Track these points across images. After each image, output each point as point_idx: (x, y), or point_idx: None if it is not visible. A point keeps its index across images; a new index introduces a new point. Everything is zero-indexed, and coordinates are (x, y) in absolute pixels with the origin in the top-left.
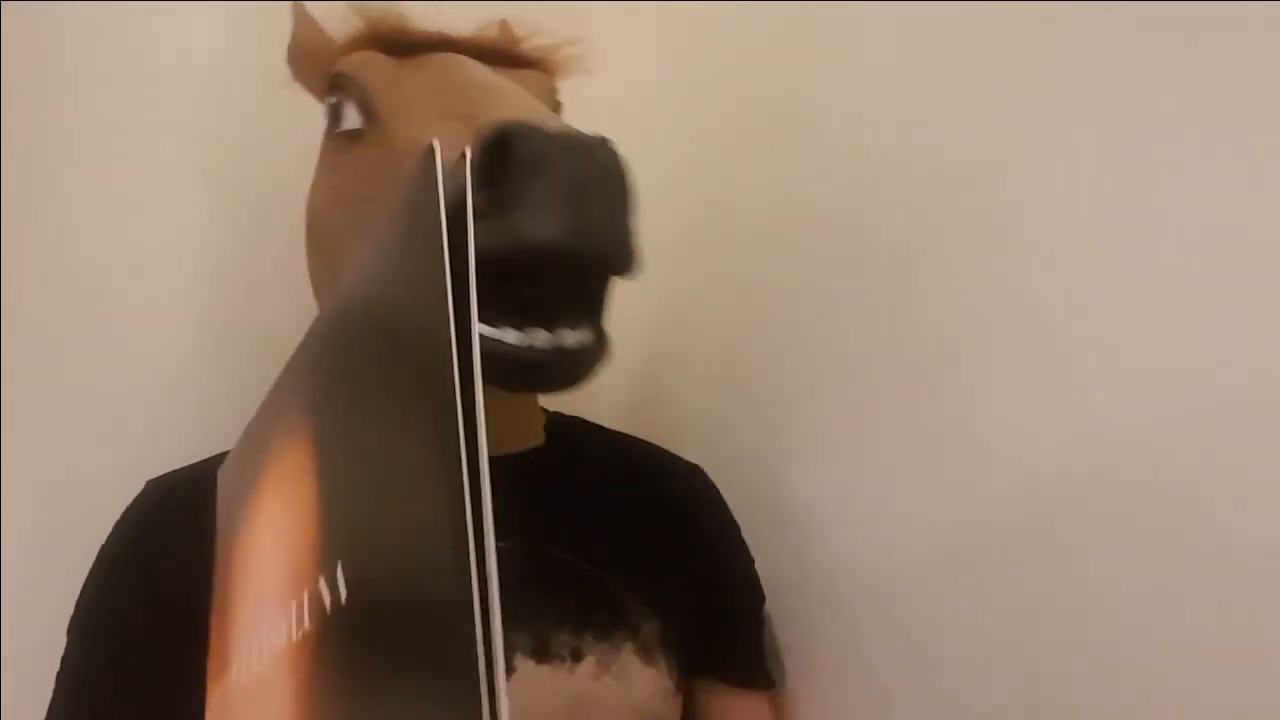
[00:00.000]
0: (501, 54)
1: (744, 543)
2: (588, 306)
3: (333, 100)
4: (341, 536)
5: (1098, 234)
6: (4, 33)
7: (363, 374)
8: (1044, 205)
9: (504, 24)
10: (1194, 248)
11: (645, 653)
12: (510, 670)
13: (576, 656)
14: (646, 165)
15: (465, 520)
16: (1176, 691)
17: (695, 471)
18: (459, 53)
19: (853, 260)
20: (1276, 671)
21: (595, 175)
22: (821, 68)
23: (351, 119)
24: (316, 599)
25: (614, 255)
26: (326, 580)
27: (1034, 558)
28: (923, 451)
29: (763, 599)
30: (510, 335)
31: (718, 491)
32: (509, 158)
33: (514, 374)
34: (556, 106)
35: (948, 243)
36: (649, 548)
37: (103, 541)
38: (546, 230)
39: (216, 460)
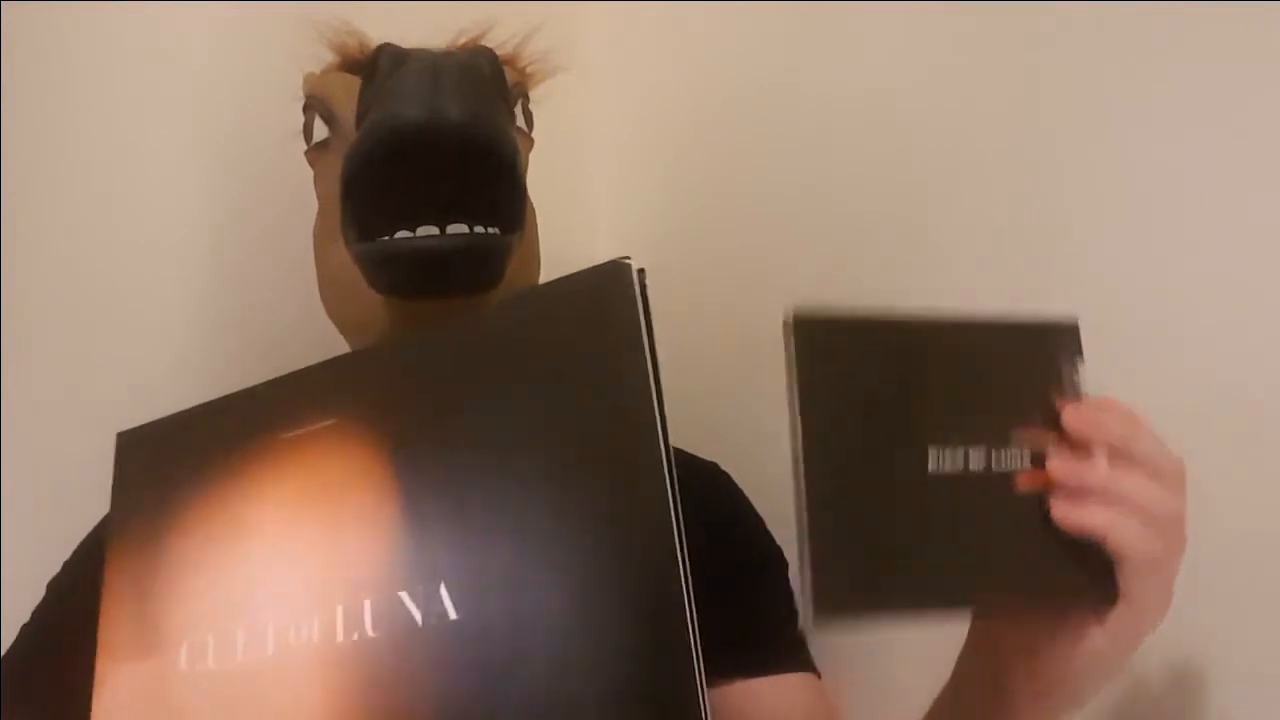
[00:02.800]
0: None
1: (768, 537)
2: (484, 204)
3: (304, 120)
4: (450, 561)
5: (1103, 231)
6: (4, 33)
7: (523, 425)
8: (1049, 201)
9: (480, 38)
10: (1200, 242)
11: None
12: None
13: None
14: (646, 163)
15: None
16: (1183, 690)
17: (712, 470)
18: None
19: (857, 256)
20: None
21: (448, 65)
22: (822, 66)
23: (320, 131)
24: (392, 609)
25: (473, 133)
26: (415, 596)
27: None
28: None
29: (791, 593)
30: (401, 235)
31: (736, 488)
32: (375, 70)
33: (396, 271)
34: (528, 116)
35: (952, 239)
36: None
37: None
38: (401, 114)
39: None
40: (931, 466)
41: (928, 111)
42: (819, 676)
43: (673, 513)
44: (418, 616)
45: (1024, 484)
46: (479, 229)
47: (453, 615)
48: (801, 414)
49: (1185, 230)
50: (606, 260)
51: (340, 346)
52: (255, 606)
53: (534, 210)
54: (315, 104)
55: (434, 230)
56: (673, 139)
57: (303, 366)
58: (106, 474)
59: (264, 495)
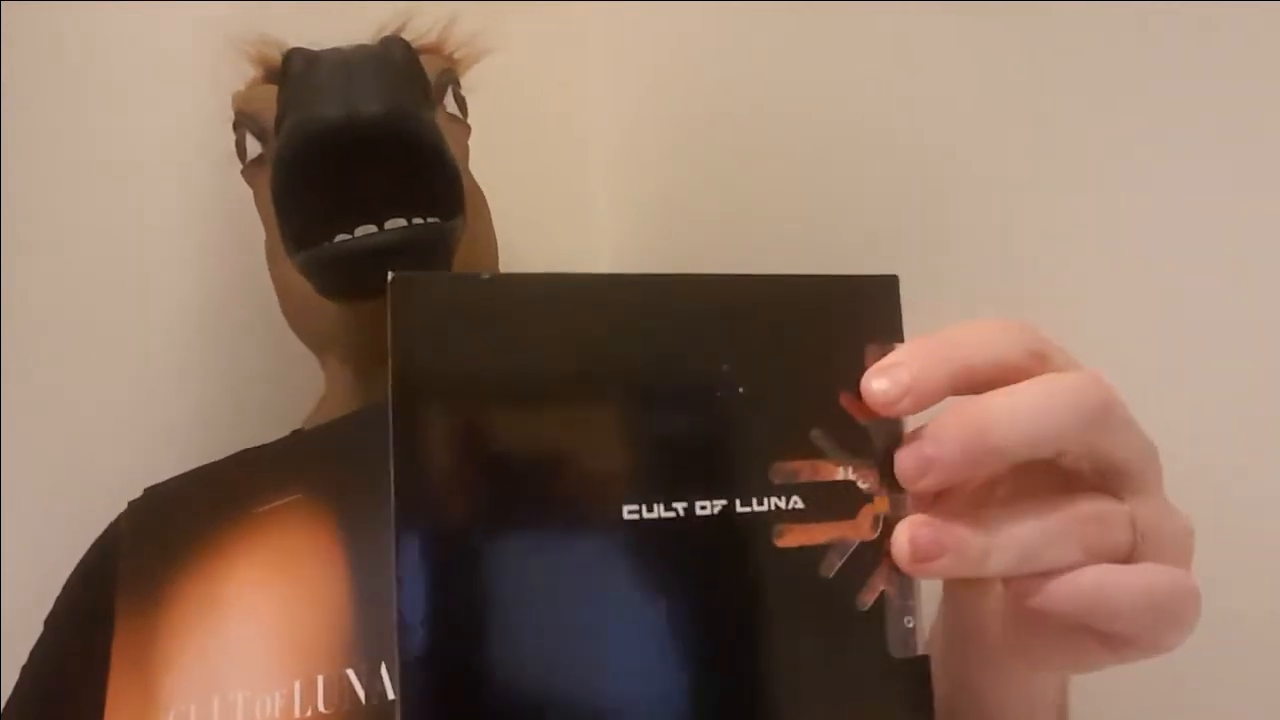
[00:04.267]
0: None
1: None
2: (418, 194)
3: (235, 138)
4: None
5: (1097, 236)
6: (4, 33)
7: None
8: (1061, 204)
9: (399, 30)
10: (1195, 248)
11: None
12: None
13: None
14: (645, 164)
15: None
16: (1190, 689)
17: None
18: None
19: (854, 253)
20: None
21: (359, 59)
22: (822, 66)
23: (253, 148)
24: (341, 686)
25: (392, 124)
26: (360, 674)
27: None
28: None
29: None
30: (340, 238)
31: None
32: (287, 73)
33: (335, 275)
34: (461, 102)
35: (947, 242)
36: None
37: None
38: (316, 113)
39: (188, 474)
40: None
41: (928, 112)
42: None
43: None
44: (362, 695)
45: (789, 539)
46: (417, 220)
47: (390, 696)
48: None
49: (1185, 232)
50: None
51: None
52: (229, 678)
53: (483, 196)
54: (245, 120)
55: (372, 229)
56: (672, 140)
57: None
58: (106, 474)
59: (238, 569)
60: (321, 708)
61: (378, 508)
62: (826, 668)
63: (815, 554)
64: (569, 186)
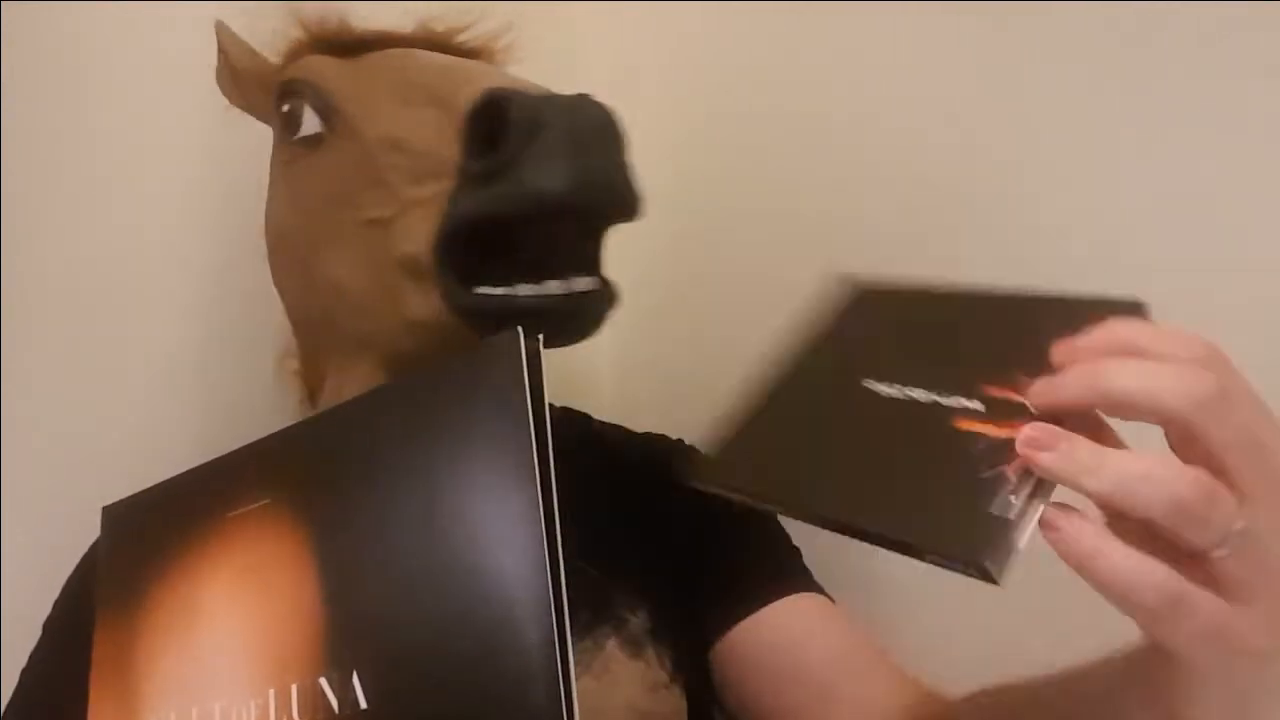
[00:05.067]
0: (446, 47)
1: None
2: (592, 255)
3: (286, 108)
4: (362, 649)
5: (1099, 230)
6: (4, 33)
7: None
8: (1058, 201)
9: (441, 17)
10: (1199, 237)
11: (631, 645)
12: None
13: None
14: (643, 161)
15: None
16: None
17: (677, 445)
18: (407, 47)
19: (852, 254)
20: None
21: (591, 126)
22: (822, 66)
23: (310, 124)
24: (314, 695)
25: (621, 200)
26: (332, 683)
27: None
28: None
29: (782, 531)
30: (524, 289)
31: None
32: (506, 120)
33: (532, 327)
34: None
35: (947, 237)
36: (633, 532)
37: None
38: (555, 182)
39: (164, 482)
40: (873, 387)
41: (928, 111)
42: (830, 599)
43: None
44: (334, 704)
45: (964, 423)
46: (589, 279)
47: (363, 705)
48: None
49: (1184, 229)
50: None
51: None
52: (206, 688)
53: None
54: (307, 91)
55: (556, 284)
56: (672, 140)
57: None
58: (106, 474)
59: (212, 575)
60: (296, 717)
61: (345, 511)
62: (952, 496)
63: (973, 437)
64: None
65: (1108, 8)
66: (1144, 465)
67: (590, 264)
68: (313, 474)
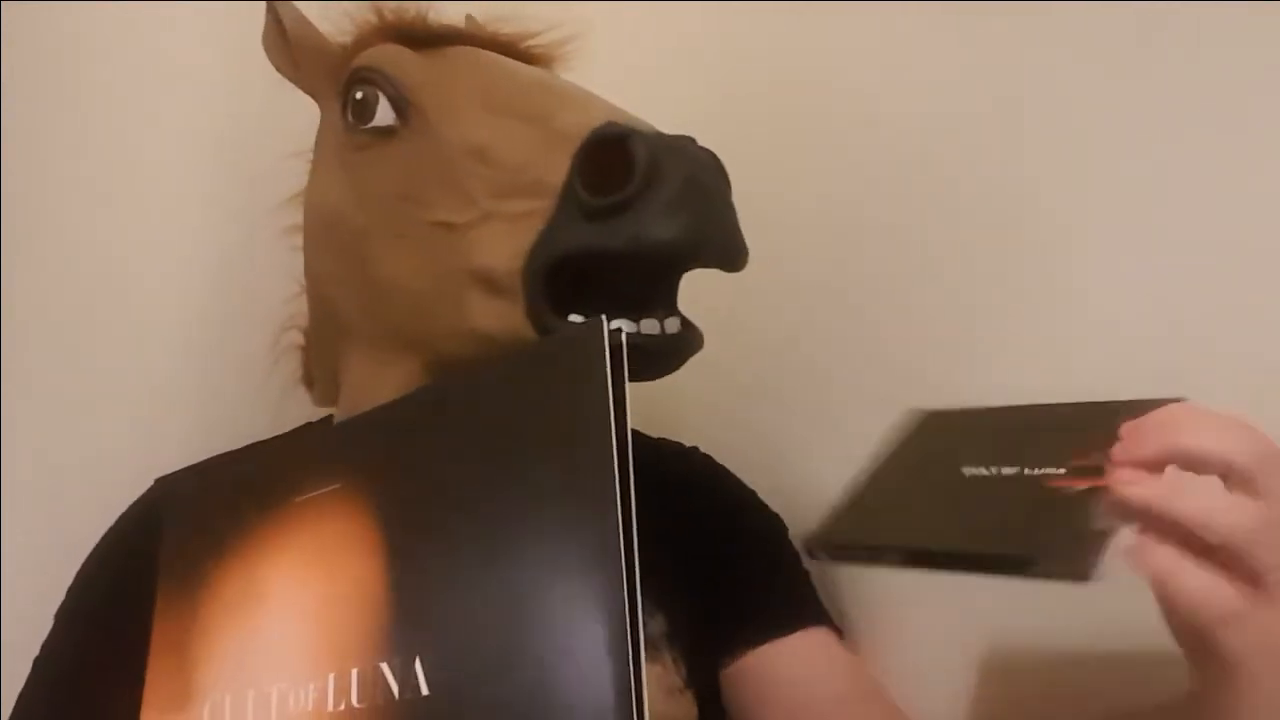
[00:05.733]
0: (515, 50)
1: (762, 506)
2: (671, 299)
3: (359, 95)
4: (427, 638)
5: (1115, 229)
6: (4, 33)
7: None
8: (1060, 197)
9: (469, 21)
10: (1203, 240)
11: (649, 648)
12: None
13: None
14: None
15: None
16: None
17: (691, 452)
18: (481, 46)
19: (867, 251)
20: None
21: (709, 177)
22: (822, 66)
23: (384, 114)
24: (374, 680)
25: (733, 254)
26: (393, 668)
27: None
28: None
29: (797, 555)
30: (626, 325)
31: (717, 466)
32: (629, 159)
33: (634, 364)
34: None
35: (963, 234)
36: (650, 539)
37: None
38: (676, 232)
39: (229, 456)
40: (968, 471)
41: (929, 111)
42: (839, 632)
43: (625, 577)
44: (395, 690)
45: (1053, 483)
46: (679, 320)
47: (424, 691)
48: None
49: (1183, 230)
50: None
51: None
52: (265, 669)
53: None
54: (382, 82)
55: (652, 323)
56: (683, 129)
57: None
58: (106, 474)
59: (277, 559)
60: (355, 702)
61: (416, 498)
62: (1049, 525)
63: (1064, 490)
64: None
65: (1115, 7)
66: (1227, 499)
67: (673, 303)
68: (386, 463)
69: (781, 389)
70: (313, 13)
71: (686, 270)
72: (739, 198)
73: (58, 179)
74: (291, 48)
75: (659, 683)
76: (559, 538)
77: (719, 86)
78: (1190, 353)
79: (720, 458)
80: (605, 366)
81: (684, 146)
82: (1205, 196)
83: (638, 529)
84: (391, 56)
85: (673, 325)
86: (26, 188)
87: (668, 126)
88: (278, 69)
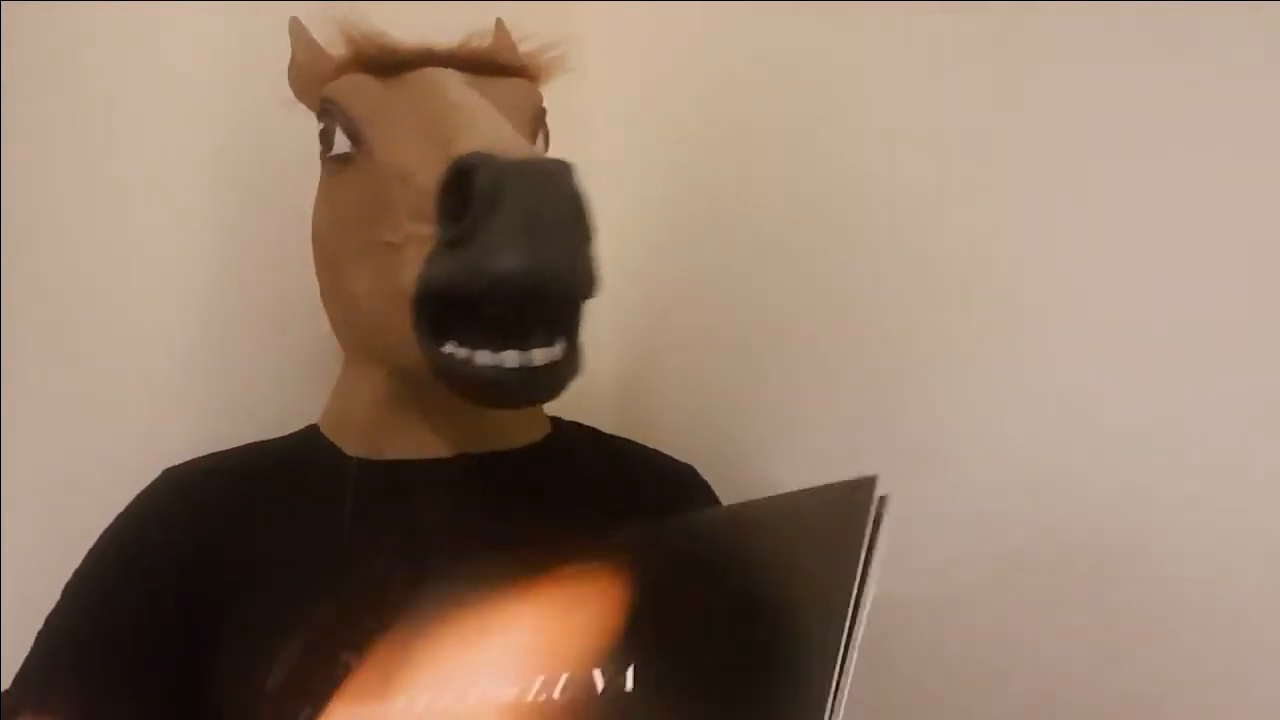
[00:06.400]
0: (487, 63)
1: None
2: (559, 325)
3: (321, 125)
4: (649, 653)
5: (1083, 240)
6: (4, 33)
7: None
8: (1031, 209)
9: (499, 25)
10: (1175, 252)
11: None
12: None
13: None
14: (645, 165)
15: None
16: (1183, 682)
17: (688, 471)
18: (446, 65)
19: (844, 262)
20: None
21: (550, 205)
22: (814, 72)
23: (341, 143)
24: (584, 682)
25: (570, 282)
26: (605, 674)
27: (1029, 557)
28: (913, 451)
29: None
30: (484, 357)
31: (710, 489)
32: (469, 191)
33: (485, 393)
34: (540, 114)
35: (937, 246)
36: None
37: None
38: (503, 264)
39: (231, 455)
40: None
41: (928, 112)
42: None
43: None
44: (599, 686)
45: None
46: (554, 347)
47: (629, 688)
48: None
49: (1180, 232)
50: (858, 477)
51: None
52: (471, 674)
53: None
54: (336, 113)
55: (514, 355)
56: (671, 140)
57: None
58: (106, 474)
59: (520, 609)
60: (556, 696)
61: (673, 560)
62: None
63: None
64: None
65: (1120, 7)
66: None
67: (556, 333)
68: (653, 568)
69: (751, 401)
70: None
71: (542, 299)
72: (740, 207)
73: (58, 179)
74: (301, 77)
75: None
76: (770, 689)
77: (718, 88)
78: (1171, 362)
79: (688, 457)
80: (863, 539)
81: (531, 175)
82: (1209, 201)
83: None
84: (346, 88)
85: (544, 355)
86: (26, 188)
87: (664, 133)
88: (297, 98)
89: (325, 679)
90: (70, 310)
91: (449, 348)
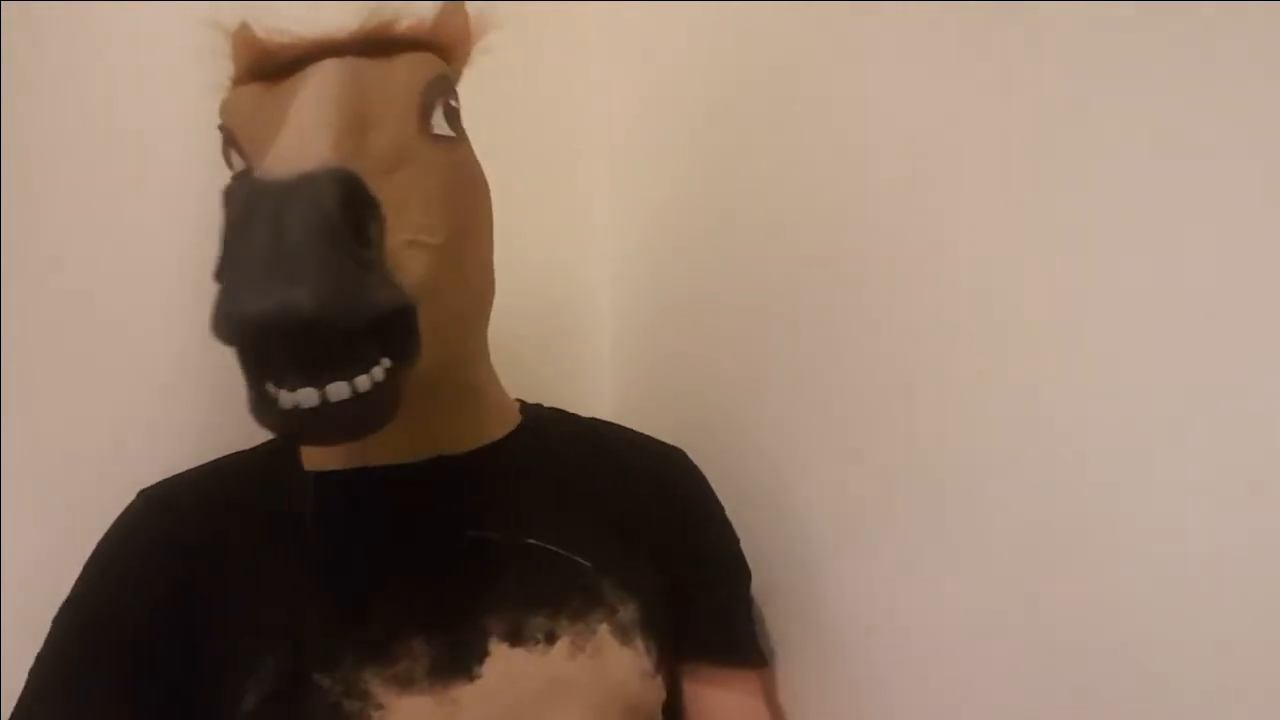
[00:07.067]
0: (384, 42)
1: (727, 521)
2: (351, 359)
3: (223, 147)
4: None
5: (1079, 242)
6: (4, 33)
7: None
8: (1050, 206)
9: (392, 8)
10: (1163, 257)
11: (622, 633)
12: (484, 655)
13: (551, 638)
14: (645, 164)
15: None
16: (1179, 685)
17: (674, 453)
18: (341, 53)
19: (859, 255)
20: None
21: (296, 231)
22: (823, 66)
23: (237, 163)
24: None
25: (324, 317)
26: None
27: (1027, 553)
28: (925, 449)
29: (749, 575)
30: (285, 397)
31: (698, 472)
32: (227, 204)
33: (286, 435)
34: (436, 85)
35: (946, 241)
36: (626, 532)
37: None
38: (239, 306)
39: (207, 470)
40: None
41: (928, 112)
42: (765, 663)
43: None
44: None
45: None
46: (351, 382)
47: None
48: None
49: (1179, 235)
50: None
51: None
52: None
53: (481, 204)
54: (224, 134)
55: (310, 393)
56: (671, 140)
57: None
58: (106, 474)
59: None
60: None
61: None
62: None
63: None
64: (568, 186)
65: (1118, 6)
66: None
67: (356, 366)
68: None
69: (763, 398)
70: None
71: (295, 340)
72: (740, 202)
73: (58, 179)
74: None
75: (632, 665)
76: None
77: (718, 87)
78: (1164, 367)
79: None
80: None
81: (276, 198)
82: (1211, 204)
83: (616, 522)
84: (230, 104)
85: (340, 391)
86: (26, 188)
87: (666, 130)
88: None
89: (299, 700)
90: (70, 310)
91: (270, 385)
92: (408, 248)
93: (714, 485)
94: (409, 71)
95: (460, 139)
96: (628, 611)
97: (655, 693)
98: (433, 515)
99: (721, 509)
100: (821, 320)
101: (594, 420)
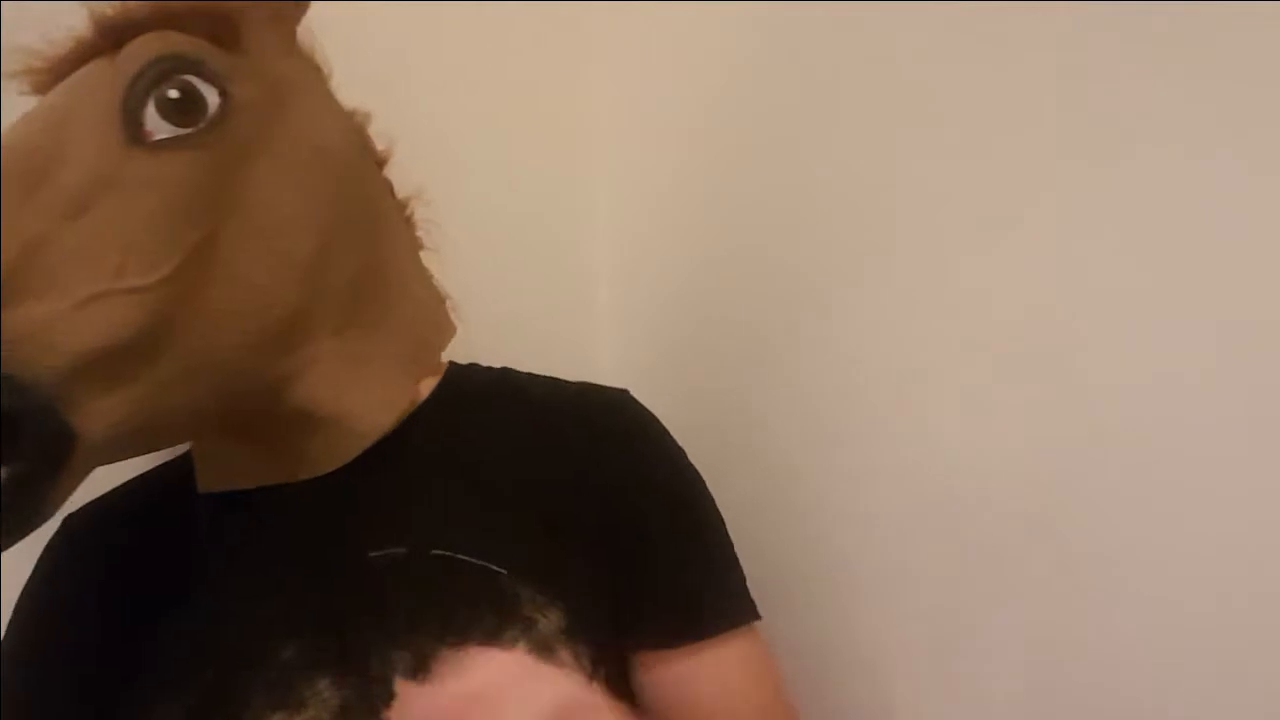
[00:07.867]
0: (126, 27)
1: (684, 473)
2: (20, 436)
3: None
4: None
5: (1080, 245)
6: (4, 33)
7: None
8: (1054, 205)
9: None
10: (1172, 257)
11: (542, 649)
12: (390, 697)
13: (461, 669)
14: (645, 164)
15: None
16: (1178, 689)
17: (612, 404)
18: (100, 53)
19: (860, 250)
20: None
21: None
22: (823, 66)
23: None
24: None
25: None
26: None
27: (1032, 552)
28: (936, 442)
29: (716, 530)
30: None
31: (642, 420)
32: None
33: None
34: (159, 73)
35: (946, 241)
36: (551, 517)
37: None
38: None
39: (121, 493)
40: None
41: (927, 112)
42: (758, 617)
43: None
44: None
45: None
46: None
47: None
48: None
49: (1179, 235)
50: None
51: None
52: None
53: (311, 197)
54: None
55: None
56: (672, 139)
57: None
58: (106, 474)
59: None
60: None
61: None
62: None
63: None
64: (568, 186)
65: (1121, 7)
66: None
67: (29, 448)
68: None
69: (774, 394)
70: None
71: None
72: (742, 198)
73: None
74: None
75: (568, 679)
76: None
77: (719, 87)
78: (1169, 363)
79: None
80: None
81: None
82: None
83: (538, 506)
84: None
85: None
86: None
87: (667, 127)
88: None
89: None
90: None
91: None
92: (94, 303)
93: (716, 480)
94: (113, 70)
95: (208, 129)
96: (550, 622)
97: (593, 697)
98: (332, 537)
99: (675, 460)
100: (824, 321)
101: (526, 378)
